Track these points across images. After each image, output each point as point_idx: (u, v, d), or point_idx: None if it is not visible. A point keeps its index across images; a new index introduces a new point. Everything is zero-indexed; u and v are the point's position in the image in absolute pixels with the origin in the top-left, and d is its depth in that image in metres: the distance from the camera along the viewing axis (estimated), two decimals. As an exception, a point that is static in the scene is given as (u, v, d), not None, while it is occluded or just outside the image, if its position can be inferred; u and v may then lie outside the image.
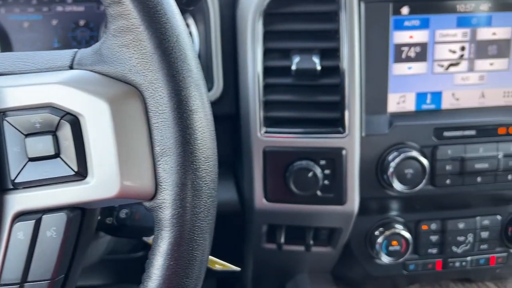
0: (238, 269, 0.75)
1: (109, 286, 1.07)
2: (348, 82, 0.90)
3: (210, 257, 0.75)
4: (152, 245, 0.48)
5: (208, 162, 0.48)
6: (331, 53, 0.91)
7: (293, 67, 0.90)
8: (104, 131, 0.45)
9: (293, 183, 0.91)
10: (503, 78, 0.97)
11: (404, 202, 1.02)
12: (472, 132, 0.94)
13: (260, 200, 0.96)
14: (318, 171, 0.91)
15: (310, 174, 0.91)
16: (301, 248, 1.04)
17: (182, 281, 0.47)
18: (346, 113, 0.91)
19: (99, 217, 0.77)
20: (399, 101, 0.97)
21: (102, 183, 0.46)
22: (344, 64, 0.90)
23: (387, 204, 1.02)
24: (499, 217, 1.04)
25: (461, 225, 1.03)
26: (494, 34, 0.95)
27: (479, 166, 0.95)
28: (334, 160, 0.92)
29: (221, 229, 1.24)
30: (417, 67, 0.95)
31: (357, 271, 1.10)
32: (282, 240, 1.02)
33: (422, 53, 0.94)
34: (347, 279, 1.16)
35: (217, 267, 0.77)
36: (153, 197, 0.47)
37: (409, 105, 0.97)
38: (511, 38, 0.95)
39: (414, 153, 0.91)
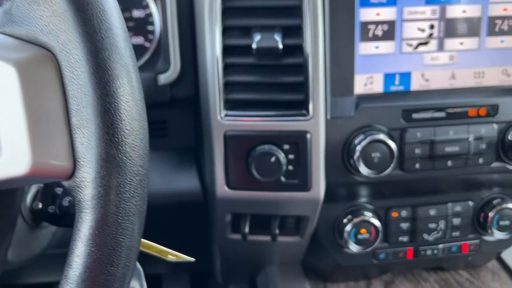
0: (192, 259, 0.70)
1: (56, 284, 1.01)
2: (312, 62, 0.85)
3: (162, 247, 0.70)
4: (73, 230, 0.43)
5: (133, 135, 0.42)
6: (294, 31, 0.86)
7: (254, 46, 0.85)
8: (11, 100, 0.40)
9: (255, 169, 0.86)
10: (474, 58, 0.93)
11: (373, 188, 0.98)
12: (442, 114, 0.91)
13: (222, 188, 0.91)
14: (281, 156, 0.86)
15: (273, 159, 0.86)
16: (267, 238, 0.99)
17: (107, 269, 0.42)
18: (310, 95, 0.86)
19: (40, 206, 0.71)
20: (366, 82, 0.92)
21: (9, 159, 0.40)
22: (307, 42, 0.85)
23: (355, 191, 0.98)
24: (471, 203, 1.01)
25: (432, 212, 0.99)
26: (464, 11, 0.91)
27: (449, 149, 0.91)
28: (298, 144, 0.88)
29: (186, 220, 1.20)
30: (385, 47, 0.91)
31: (327, 261, 1.06)
32: (247, 229, 0.97)
33: (389, 31, 0.90)
34: (317, 270, 1.12)
35: (170, 257, 0.72)
36: (72, 175, 0.42)
37: (377, 86, 0.93)
38: (481, 16, 0.91)
39: (382, 136, 0.87)
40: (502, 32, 0.93)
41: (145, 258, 0.68)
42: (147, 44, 0.94)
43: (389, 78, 0.93)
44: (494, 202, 1.01)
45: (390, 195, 0.99)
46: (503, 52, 0.94)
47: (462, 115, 0.91)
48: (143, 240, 0.63)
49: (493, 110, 0.92)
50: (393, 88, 0.93)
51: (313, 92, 0.86)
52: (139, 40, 0.94)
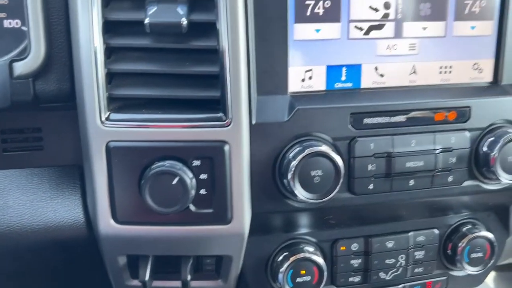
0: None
1: None
2: (230, 46, 0.62)
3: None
4: None
5: None
6: (204, 4, 0.63)
7: (147, 21, 0.60)
8: None
9: (150, 196, 0.61)
10: (439, 48, 0.74)
11: (315, 216, 0.75)
12: (402, 119, 0.70)
13: (106, 222, 0.66)
14: (188, 176, 0.62)
15: (175, 181, 0.61)
16: (177, 284, 0.74)
17: None
18: (228, 92, 0.63)
19: None
20: (305, 77, 0.70)
21: None
22: (222, 20, 0.61)
23: (291, 219, 0.75)
24: (436, 231, 0.81)
25: (389, 244, 0.78)
26: (426, -12, 0.71)
27: (411, 164, 0.70)
28: (213, 159, 0.64)
29: (72, 264, 0.92)
30: (328, 30, 0.69)
31: (258, 310, 0.82)
32: (147, 276, 0.71)
33: (333, 9, 0.68)
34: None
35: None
36: None
37: (318, 82, 0.71)
38: (448, -6, 0.72)
39: (324, 148, 0.65)
40: (472, 16, 0.73)
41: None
42: None
43: (333, 72, 0.71)
44: (464, 229, 0.82)
45: (336, 224, 0.76)
46: (474, 41, 0.75)
47: (426, 120, 0.71)
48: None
49: (464, 114, 0.72)
50: (338, 86, 0.72)
51: (232, 88, 0.63)
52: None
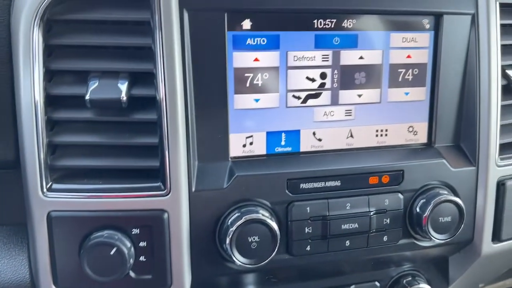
0: None
1: None
2: (169, 118, 0.65)
3: None
4: None
5: None
6: (145, 78, 0.66)
7: (87, 97, 0.63)
8: None
9: (88, 265, 0.63)
10: (375, 112, 0.78)
11: (258, 275, 0.78)
12: (337, 183, 0.73)
13: (47, 287, 0.67)
14: (125, 246, 0.63)
15: (113, 251, 0.63)
16: None
17: None
18: (167, 161, 0.65)
19: None
20: (246, 143, 0.73)
21: None
22: (161, 93, 0.64)
23: (235, 279, 0.77)
24: (377, 284, 0.84)
25: (331, 300, 0.81)
26: (361, 58, 0.75)
27: (346, 226, 0.73)
28: (152, 227, 0.66)
29: None
30: (267, 99, 0.72)
31: None
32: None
33: (272, 81, 0.72)
34: None
35: None
36: None
37: (259, 147, 0.74)
38: (382, 63, 0.76)
39: (261, 214, 0.68)
40: (406, 83, 0.78)
41: None
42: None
43: (273, 137, 0.74)
44: (405, 281, 0.85)
45: (279, 282, 0.79)
46: (408, 106, 0.79)
47: (361, 184, 0.74)
48: None
49: (397, 177, 0.76)
50: (278, 150, 0.75)
51: (171, 158, 0.65)
52: None
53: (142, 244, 0.66)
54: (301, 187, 0.72)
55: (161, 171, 0.66)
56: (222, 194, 0.69)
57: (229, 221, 0.68)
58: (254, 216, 0.67)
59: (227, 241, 0.67)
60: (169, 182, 0.65)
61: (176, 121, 0.65)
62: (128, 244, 0.64)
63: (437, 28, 0.77)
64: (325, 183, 0.73)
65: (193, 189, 0.68)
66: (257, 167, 0.72)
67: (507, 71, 0.82)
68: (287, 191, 0.71)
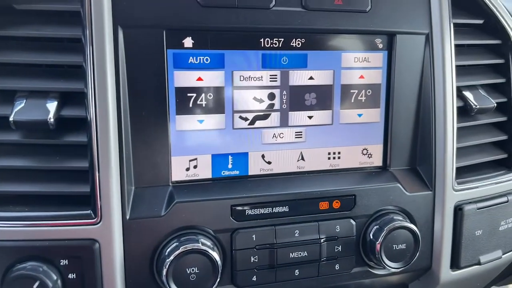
0: None
1: None
2: (100, 140, 0.61)
3: None
4: None
5: None
6: (77, 98, 0.62)
7: (11, 118, 0.58)
8: None
9: (9, 300, 0.58)
10: (327, 134, 0.75)
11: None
12: (285, 209, 0.70)
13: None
14: (50, 278, 0.59)
15: (36, 285, 0.58)
16: None
17: None
18: (98, 187, 0.61)
19: None
20: (189, 166, 0.69)
21: None
22: (91, 113, 0.60)
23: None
24: (333, 314, 0.80)
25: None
26: (311, 78, 0.72)
27: (295, 255, 0.70)
28: (82, 258, 0.61)
29: None
30: (212, 120, 0.69)
31: None
32: None
33: (217, 101, 0.69)
34: None
35: None
36: None
37: (204, 171, 0.70)
38: (333, 83, 0.73)
39: (201, 243, 0.63)
40: (359, 104, 0.75)
41: None
42: None
43: (219, 160, 0.70)
44: (361, 310, 0.81)
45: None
46: (362, 128, 0.76)
47: (311, 210, 0.71)
48: None
49: (349, 202, 0.72)
50: (225, 173, 0.71)
51: (102, 183, 0.61)
52: None
53: (71, 276, 0.61)
54: (246, 214, 0.68)
55: (92, 198, 0.61)
56: (159, 222, 0.64)
57: (167, 251, 0.63)
58: (192, 246, 0.63)
59: (164, 272, 0.62)
60: (100, 210, 0.61)
61: (107, 144, 0.61)
62: (55, 276, 0.59)
63: (390, 48, 0.75)
64: (272, 209, 0.69)
65: (127, 217, 0.63)
66: (200, 192, 0.68)
67: (464, 92, 0.80)
68: (231, 218, 0.67)
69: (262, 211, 0.68)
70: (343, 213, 0.72)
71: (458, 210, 0.77)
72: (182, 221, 0.65)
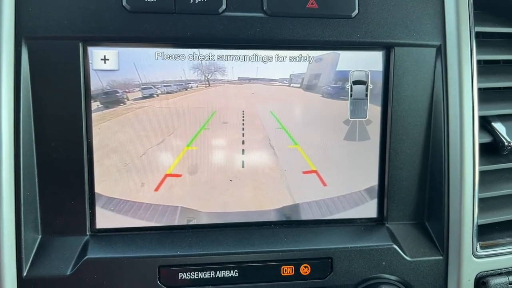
0: None
1: None
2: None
3: None
4: None
5: None
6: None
7: None
8: None
9: None
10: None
11: None
12: (233, 273, 0.53)
13: None
14: None
15: None
16: None
17: None
18: (-15, 236, 0.49)
19: None
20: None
21: None
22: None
23: None
24: None
25: None
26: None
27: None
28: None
29: None
30: (145, 154, 0.55)
31: None
32: None
33: (151, 130, 0.55)
34: None
35: None
36: None
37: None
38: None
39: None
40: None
41: None
42: None
43: (154, 205, 0.56)
44: None
45: None
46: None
47: (269, 276, 0.53)
48: None
49: (323, 268, 0.54)
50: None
51: (-9, 233, 0.48)
52: None
53: None
54: (180, 278, 0.52)
55: (-21, 249, 0.49)
56: (63, 284, 0.50)
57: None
58: (98, 319, 0.48)
59: None
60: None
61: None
62: None
63: (386, 65, 0.57)
64: (215, 273, 0.53)
65: (24, 275, 0.50)
66: (121, 245, 0.53)
67: (493, 123, 0.60)
68: (159, 283, 0.52)
69: (201, 275, 0.52)
70: (314, 282, 0.54)
71: (481, 284, 0.57)
72: (92, 284, 0.51)
